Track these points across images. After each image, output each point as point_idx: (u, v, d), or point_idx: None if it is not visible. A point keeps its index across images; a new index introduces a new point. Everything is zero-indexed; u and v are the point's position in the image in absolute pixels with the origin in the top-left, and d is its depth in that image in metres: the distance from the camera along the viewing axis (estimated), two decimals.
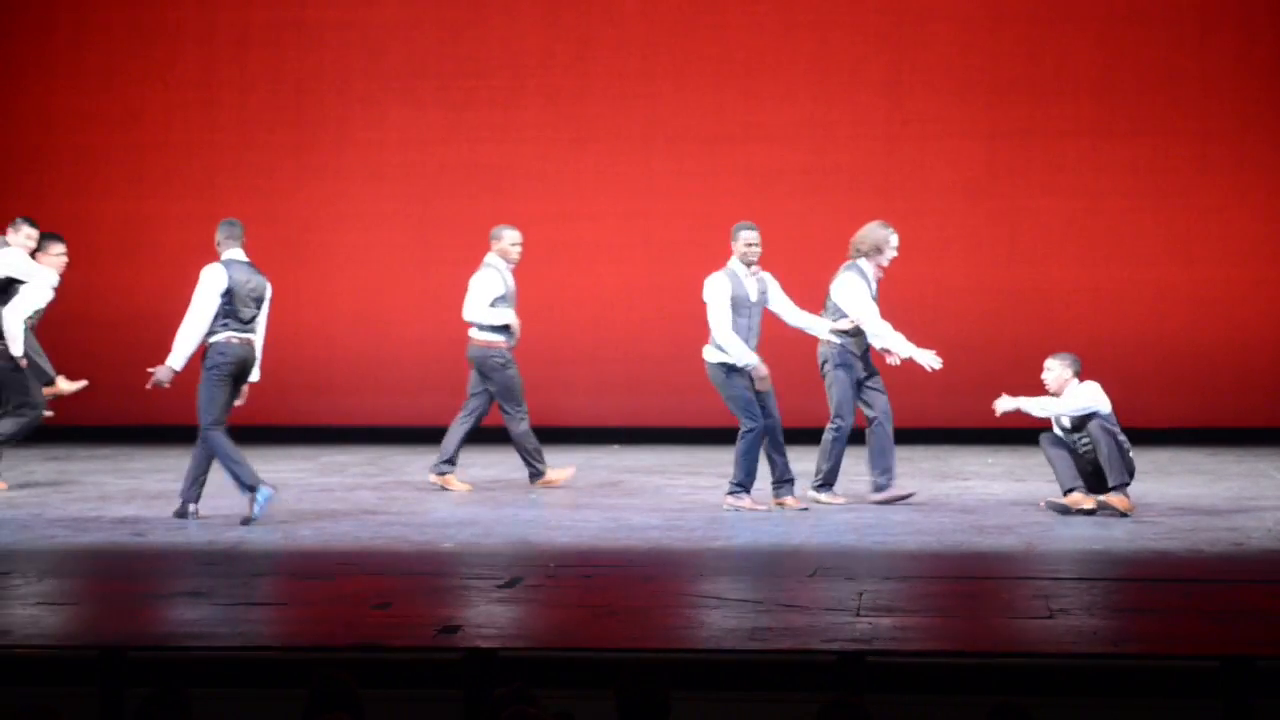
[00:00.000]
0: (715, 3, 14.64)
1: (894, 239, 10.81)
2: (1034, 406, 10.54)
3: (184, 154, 14.87)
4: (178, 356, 10.02)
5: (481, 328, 11.56)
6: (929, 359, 10.69)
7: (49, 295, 11.41)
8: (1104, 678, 6.33)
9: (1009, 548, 9.09)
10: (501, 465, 12.99)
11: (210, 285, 10.04)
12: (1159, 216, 14.33)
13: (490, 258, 11.70)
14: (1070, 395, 10.51)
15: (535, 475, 11.67)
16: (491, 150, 14.71)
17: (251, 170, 14.79)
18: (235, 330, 10.07)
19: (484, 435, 14.48)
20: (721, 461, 12.93)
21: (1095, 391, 10.48)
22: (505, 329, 11.56)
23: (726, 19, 14.62)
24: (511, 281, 11.65)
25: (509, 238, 11.73)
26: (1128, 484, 10.25)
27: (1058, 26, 14.38)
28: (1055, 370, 10.60)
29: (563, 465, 11.89)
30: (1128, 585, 8.11)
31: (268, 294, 10.33)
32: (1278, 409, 14.20)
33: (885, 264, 10.84)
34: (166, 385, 10.03)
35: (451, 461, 11.60)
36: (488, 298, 11.53)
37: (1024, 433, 14.08)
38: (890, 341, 10.72)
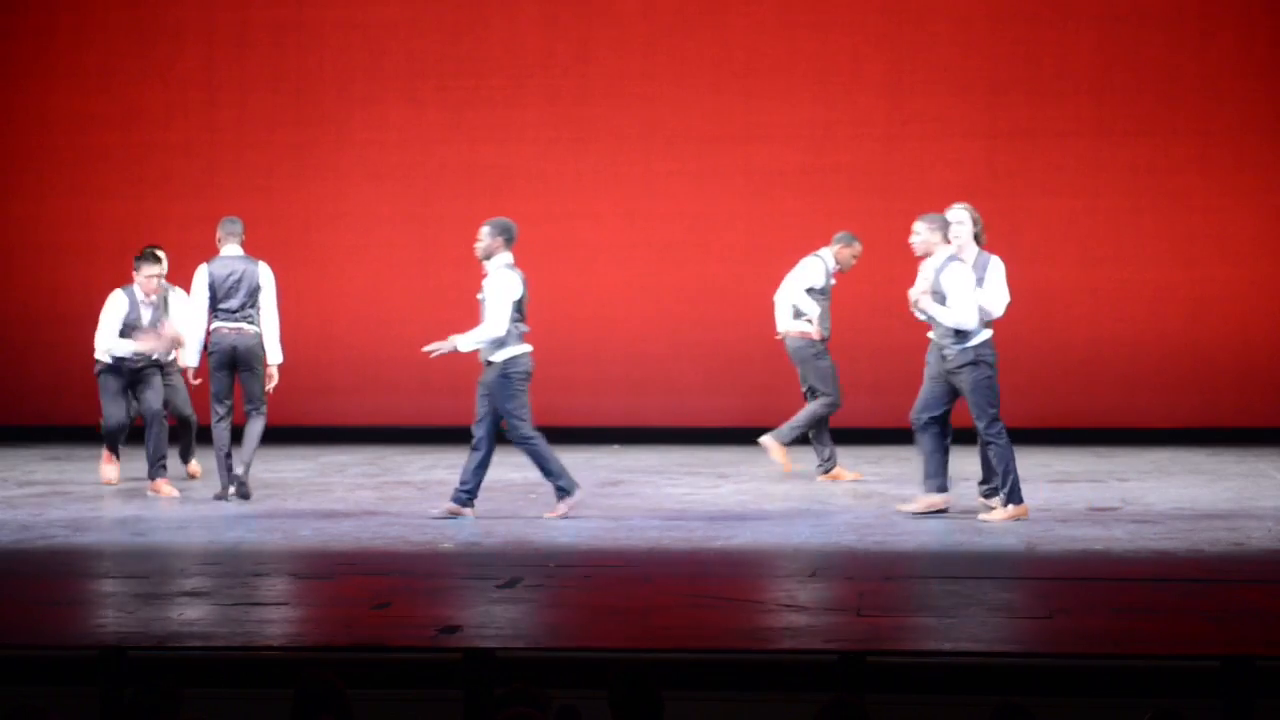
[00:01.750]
0: (715, 3, 14.63)
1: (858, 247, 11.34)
2: (943, 314, 9.87)
3: (184, 154, 14.87)
4: (186, 352, 11.21)
5: (796, 318, 12.00)
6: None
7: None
8: (1104, 678, 6.33)
9: (1009, 548, 9.08)
10: (501, 466, 12.99)
11: (194, 283, 11.03)
12: (1159, 216, 14.32)
13: (824, 251, 12.14)
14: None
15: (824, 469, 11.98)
16: (491, 150, 14.71)
17: (251, 170, 14.79)
18: (223, 320, 10.95)
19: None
20: (722, 461, 12.96)
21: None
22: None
23: (726, 19, 14.61)
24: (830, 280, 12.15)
25: (854, 250, 12.21)
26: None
27: (1058, 26, 14.37)
28: (922, 234, 9.97)
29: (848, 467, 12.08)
30: (1128, 585, 8.11)
31: (261, 281, 11.07)
32: (1278, 409, 14.20)
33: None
34: (191, 380, 11.45)
35: (832, 457, 11.94)
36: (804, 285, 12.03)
37: (1023, 433, 14.11)
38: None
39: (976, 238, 10.24)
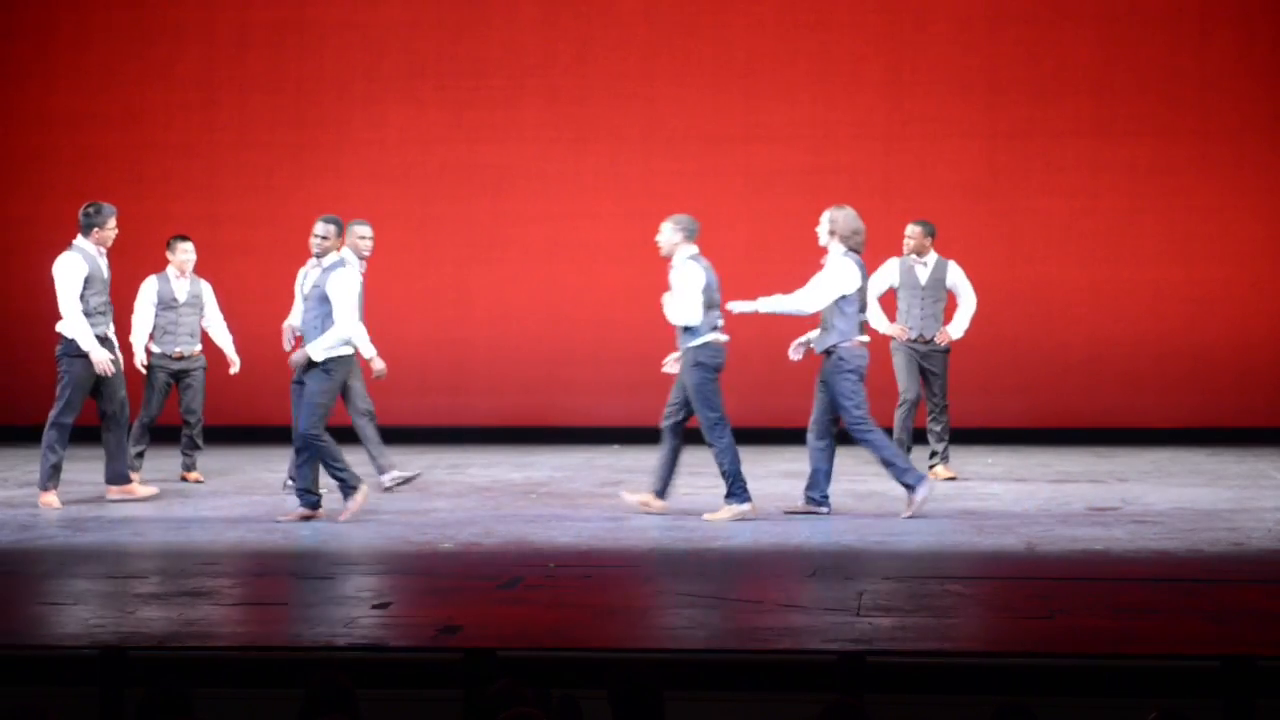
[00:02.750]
0: (715, 3, 14.64)
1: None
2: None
3: (184, 154, 14.87)
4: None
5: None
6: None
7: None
8: (1104, 678, 6.33)
9: (1009, 548, 9.08)
10: (501, 465, 13.00)
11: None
12: (1159, 216, 14.33)
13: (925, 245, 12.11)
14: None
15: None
16: (491, 150, 14.71)
17: (251, 170, 14.79)
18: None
19: (482, 435, 14.52)
20: None
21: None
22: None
23: (726, 19, 14.61)
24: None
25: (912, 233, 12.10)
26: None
27: (1058, 26, 14.38)
28: (666, 234, 10.22)
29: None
30: (1128, 585, 8.11)
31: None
32: (1278, 409, 14.20)
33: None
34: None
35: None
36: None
37: (1023, 433, 14.14)
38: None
39: (848, 239, 10.24)
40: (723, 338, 10.24)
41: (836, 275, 10.13)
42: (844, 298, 10.10)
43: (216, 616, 7.41)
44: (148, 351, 11.96)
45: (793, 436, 14.13)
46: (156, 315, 11.92)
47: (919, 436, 12.01)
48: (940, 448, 11.90)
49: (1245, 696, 6.12)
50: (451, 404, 14.77)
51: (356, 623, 7.20)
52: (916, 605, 7.56)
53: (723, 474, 10.15)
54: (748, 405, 14.31)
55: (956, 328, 11.93)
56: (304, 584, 8.33)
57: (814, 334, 10.35)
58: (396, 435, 14.34)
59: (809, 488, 10.33)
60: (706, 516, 10.06)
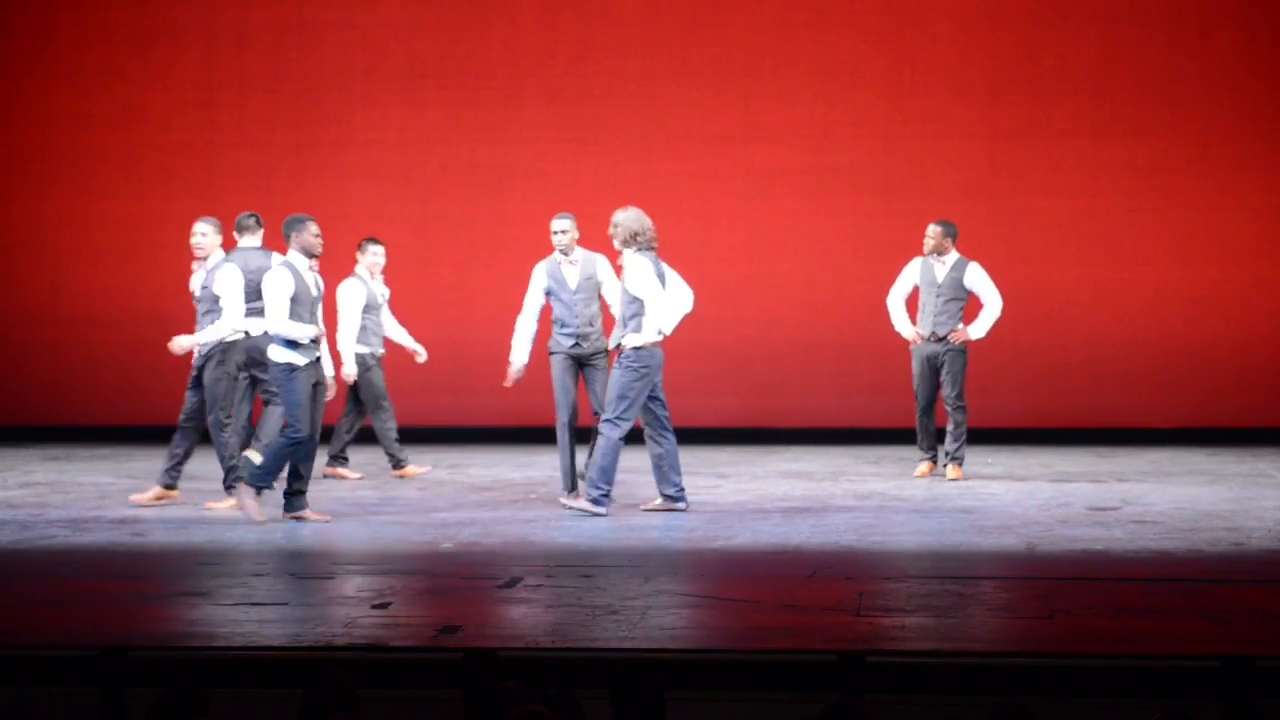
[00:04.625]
0: (715, 3, 14.63)
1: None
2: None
3: (184, 154, 14.87)
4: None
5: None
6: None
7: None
8: (1104, 678, 6.33)
9: (1009, 548, 9.08)
10: (502, 465, 13.00)
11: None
12: (1159, 216, 14.32)
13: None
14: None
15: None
16: (491, 150, 14.71)
17: (251, 170, 14.78)
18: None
19: (484, 435, 14.51)
20: (721, 461, 12.94)
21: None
22: None
23: (726, 19, 14.61)
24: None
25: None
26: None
27: (1058, 26, 14.37)
28: (209, 235, 10.81)
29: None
30: (1128, 585, 8.11)
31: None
32: (1278, 409, 14.20)
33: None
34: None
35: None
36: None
37: (1024, 433, 14.14)
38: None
39: (631, 241, 10.56)
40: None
41: (644, 269, 10.40)
42: (636, 298, 10.34)
43: (216, 616, 7.41)
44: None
45: (792, 437, 14.16)
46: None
47: (940, 436, 12.05)
48: (953, 447, 11.90)
49: (1245, 696, 6.12)
50: (452, 404, 14.76)
51: (356, 623, 7.21)
52: (916, 605, 7.56)
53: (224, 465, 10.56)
54: (747, 405, 14.33)
55: (977, 328, 11.90)
56: (304, 584, 8.33)
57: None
58: (398, 435, 14.37)
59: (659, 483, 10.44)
60: (208, 504, 10.46)
